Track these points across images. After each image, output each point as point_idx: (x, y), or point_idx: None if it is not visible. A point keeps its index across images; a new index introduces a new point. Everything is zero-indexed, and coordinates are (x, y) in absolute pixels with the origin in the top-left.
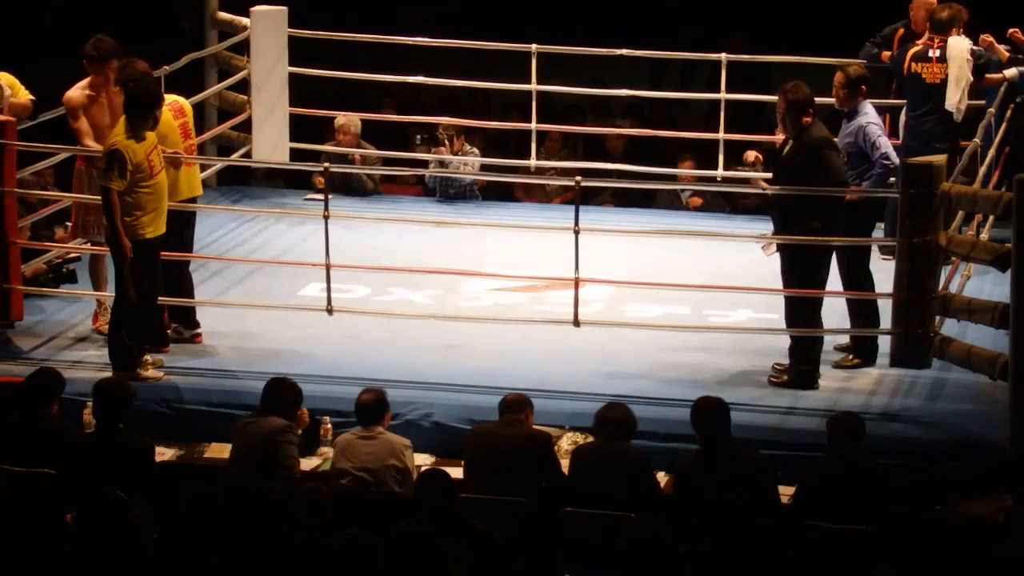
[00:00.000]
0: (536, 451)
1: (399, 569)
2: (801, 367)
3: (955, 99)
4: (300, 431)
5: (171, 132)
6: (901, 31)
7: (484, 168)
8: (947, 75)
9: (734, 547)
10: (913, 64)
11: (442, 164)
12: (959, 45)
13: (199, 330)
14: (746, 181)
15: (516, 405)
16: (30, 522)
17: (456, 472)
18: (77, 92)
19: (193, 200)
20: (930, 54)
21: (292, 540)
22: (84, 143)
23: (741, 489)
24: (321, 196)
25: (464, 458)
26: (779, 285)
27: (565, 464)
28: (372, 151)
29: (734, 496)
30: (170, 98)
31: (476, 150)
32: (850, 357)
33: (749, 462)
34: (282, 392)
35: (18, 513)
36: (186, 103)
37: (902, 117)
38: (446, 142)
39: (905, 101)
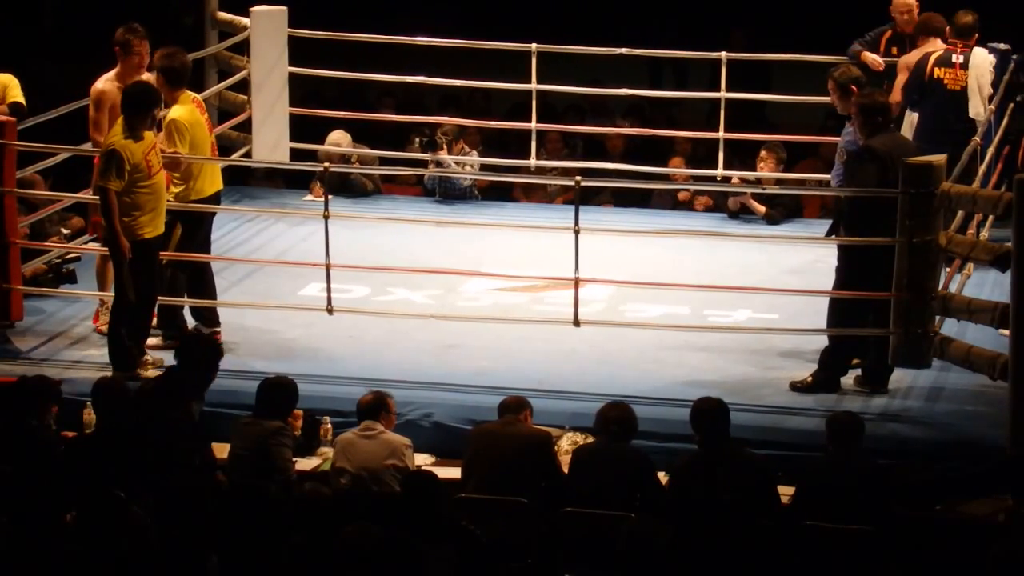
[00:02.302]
0: (536, 451)
1: (383, 570)
2: (825, 372)
3: (981, 108)
4: (298, 432)
5: (201, 128)
6: (888, 33)
7: (484, 168)
8: (967, 83)
9: (733, 547)
10: (936, 69)
11: (440, 165)
12: (983, 55)
13: (218, 328)
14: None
15: (515, 407)
16: (29, 521)
17: (457, 472)
18: (109, 84)
19: (217, 194)
20: (953, 59)
21: (291, 540)
22: (94, 137)
23: (738, 489)
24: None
25: (463, 457)
26: (778, 285)
27: (565, 464)
28: (369, 152)
29: (731, 496)
30: (191, 95)
31: (475, 152)
32: None
33: (747, 463)
34: (275, 393)
35: (17, 513)
36: (201, 99)
37: (909, 118)
38: (444, 146)
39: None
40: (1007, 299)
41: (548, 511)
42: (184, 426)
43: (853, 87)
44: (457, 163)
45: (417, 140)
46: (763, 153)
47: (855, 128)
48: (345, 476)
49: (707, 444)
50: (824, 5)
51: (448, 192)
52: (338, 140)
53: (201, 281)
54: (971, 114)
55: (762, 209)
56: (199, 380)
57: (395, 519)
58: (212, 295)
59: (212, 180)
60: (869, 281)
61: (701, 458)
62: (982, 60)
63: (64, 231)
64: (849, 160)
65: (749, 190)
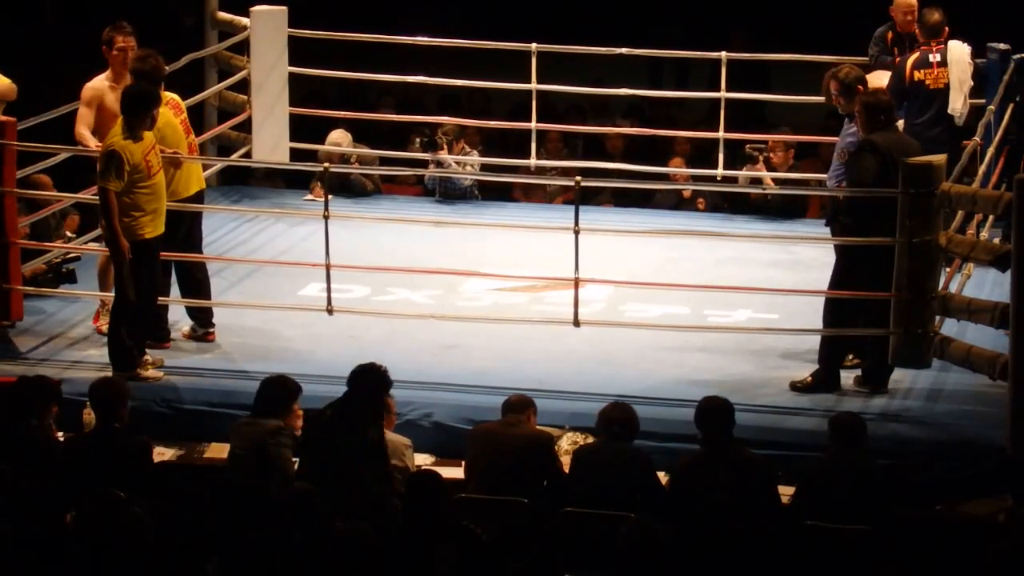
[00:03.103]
0: (537, 451)
1: (386, 570)
2: (824, 368)
3: (959, 103)
4: (298, 431)
5: (173, 130)
6: (890, 35)
7: (484, 168)
8: (949, 79)
9: (733, 547)
10: (915, 72)
11: (440, 165)
12: (960, 49)
13: (212, 329)
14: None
15: (519, 406)
16: (29, 521)
17: (457, 472)
18: (98, 82)
19: (200, 193)
20: (930, 59)
21: (288, 539)
22: (80, 130)
23: (739, 489)
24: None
25: (465, 458)
26: (777, 285)
27: (566, 464)
28: (369, 152)
29: (732, 496)
30: (167, 95)
31: (476, 152)
32: (850, 357)
33: (748, 463)
34: (274, 390)
35: (17, 513)
36: (180, 100)
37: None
38: (444, 146)
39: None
40: (1007, 299)
41: (548, 511)
42: (365, 448)
43: (859, 87)
44: (457, 163)
45: (417, 140)
46: (771, 142)
47: (858, 126)
48: None
49: (710, 443)
50: (824, 5)
51: (448, 192)
52: (338, 140)
53: (192, 281)
54: (948, 110)
55: (771, 181)
56: (370, 406)
57: (396, 518)
58: (206, 295)
59: (189, 181)
60: (865, 279)
61: (701, 458)
62: (960, 53)
63: (69, 233)
64: (850, 157)
65: (750, 190)
